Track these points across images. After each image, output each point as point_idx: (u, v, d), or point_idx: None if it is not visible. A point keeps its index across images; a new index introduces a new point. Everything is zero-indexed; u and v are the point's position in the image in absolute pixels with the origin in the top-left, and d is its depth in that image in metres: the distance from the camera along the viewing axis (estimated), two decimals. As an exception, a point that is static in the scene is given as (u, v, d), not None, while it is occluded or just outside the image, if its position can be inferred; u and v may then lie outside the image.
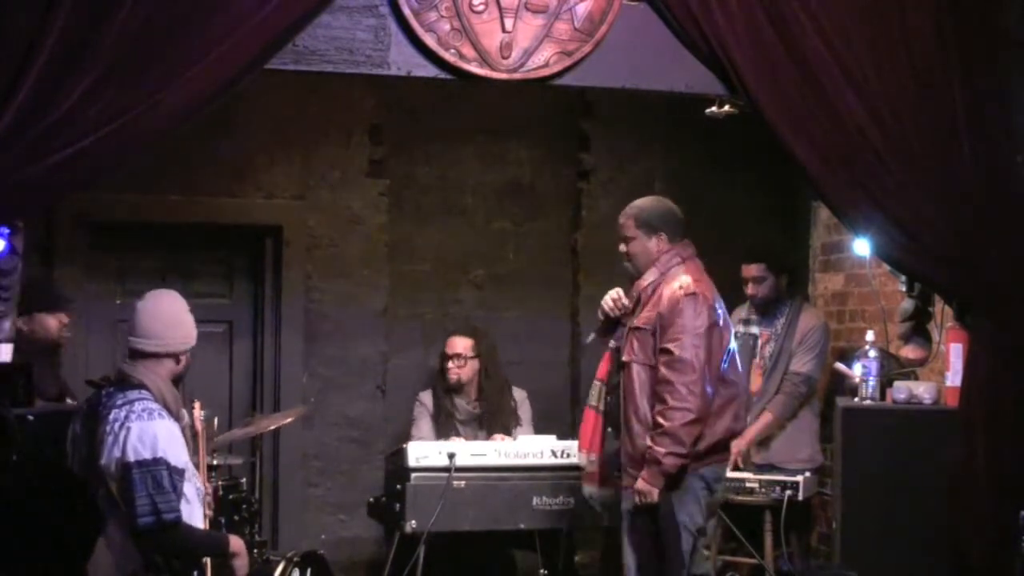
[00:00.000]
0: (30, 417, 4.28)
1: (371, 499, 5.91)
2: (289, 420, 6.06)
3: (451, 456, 5.55)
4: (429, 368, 6.73)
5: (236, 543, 4.17)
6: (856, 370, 5.55)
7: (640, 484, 4.78)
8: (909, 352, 5.55)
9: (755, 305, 6.20)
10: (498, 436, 6.06)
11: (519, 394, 6.39)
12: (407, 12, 4.62)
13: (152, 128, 4.27)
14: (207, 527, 4.29)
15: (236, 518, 5.33)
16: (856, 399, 5.48)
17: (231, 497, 5.36)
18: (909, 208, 5.01)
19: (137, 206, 6.53)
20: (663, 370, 4.76)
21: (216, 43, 4.27)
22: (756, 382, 6.14)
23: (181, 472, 4.00)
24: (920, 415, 5.30)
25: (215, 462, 5.28)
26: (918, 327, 5.53)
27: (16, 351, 4.47)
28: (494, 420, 6.22)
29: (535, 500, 5.63)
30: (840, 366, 6.04)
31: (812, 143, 4.92)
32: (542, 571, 5.75)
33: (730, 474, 5.55)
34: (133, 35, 4.17)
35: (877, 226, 5.03)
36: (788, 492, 5.90)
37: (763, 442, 6.13)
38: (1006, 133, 5.07)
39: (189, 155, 6.27)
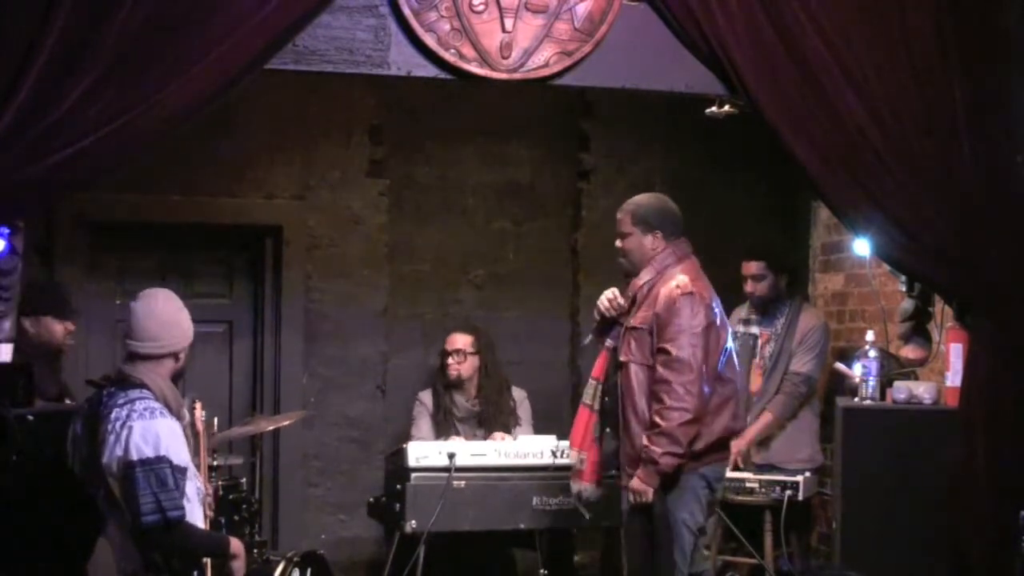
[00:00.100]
0: (30, 417, 4.27)
1: (371, 499, 5.91)
2: (288, 423, 6.06)
3: (451, 456, 5.55)
4: (429, 368, 6.73)
5: (236, 545, 4.17)
6: (856, 370, 5.55)
7: (635, 483, 4.79)
8: (909, 352, 5.55)
9: (753, 304, 6.20)
10: (498, 435, 6.06)
11: (518, 393, 6.39)
12: (407, 12, 4.63)
13: (152, 128, 4.27)
14: (207, 527, 4.29)
15: (236, 518, 5.33)
16: (856, 399, 5.48)
17: (231, 497, 5.37)
18: (909, 208, 5.01)
19: (137, 206, 6.52)
20: (660, 370, 4.76)
21: (216, 43, 4.27)
22: (756, 382, 6.15)
23: (183, 471, 4.01)
24: (920, 415, 5.30)
25: (215, 462, 5.28)
26: (918, 327, 5.53)
27: (17, 351, 4.47)
28: (493, 418, 6.23)
29: (535, 500, 5.63)
30: (840, 366, 6.04)
31: (812, 143, 4.92)
32: (542, 571, 5.75)
33: (730, 474, 5.55)
34: (133, 35, 4.17)
35: (877, 226, 5.03)
36: (788, 492, 5.91)
37: (763, 442, 6.13)
38: (1006, 133, 5.07)
39: (189, 155, 6.27)
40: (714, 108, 5.46)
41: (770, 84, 4.87)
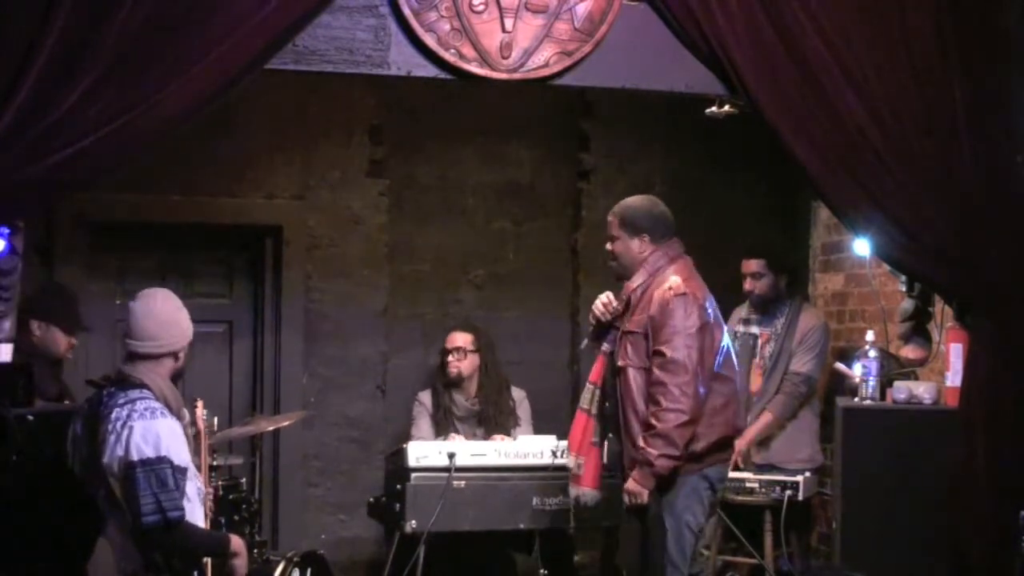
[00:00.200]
0: (30, 417, 4.27)
1: (371, 499, 5.91)
2: (288, 423, 6.06)
3: (451, 456, 5.55)
4: (429, 368, 6.73)
5: (237, 543, 4.17)
6: (856, 370, 5.55)
7: (630, 485, 4.79)
8: (909, 352, 5.55)
9: (753, 303, 6.20)
10: (497, 437, 6.06)
11: (518, 393, 6.39)
12: (407, 12, 4.63)
13: (152, 128, 4.27)
14: (208, 527, 4.29)
15: (236, 518, 5.33)
16: (856, 399, 5.48)
17: (231, 497, 5.37)
18: (909, 208, 5.01)
19: (137, 206, 6.52)
20: (656, 372, 4.76)
21: (216, 43, 4.27)
22: (756, 382, 6.15)
23: (184, 471, 4.00)
24: (920, 415, 5.30)
25: (215, 462, 5.28)
26: (918, 327, 5.53)
27: (18, 349, 4.47)
28: (492, 418, 6.23)
29: (535, 500, 5.63)
30: (840, 366, 6.04)
31: (812, 143, 4.92)
32: (542, 571, 5.75)
33: (730, 474, 5.54)
34: (133, 35, 4.17)
35: (877, 226, 5.03)
36: (788, 492, 5.91)
37: (763, 442, 6.13)
38: (1006, 133, 5.07)
39: (189, 155, 6.27)
40: (714, 108, 5.46)
41: (770, 84, 4.87)
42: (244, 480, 5.67)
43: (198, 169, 6.53)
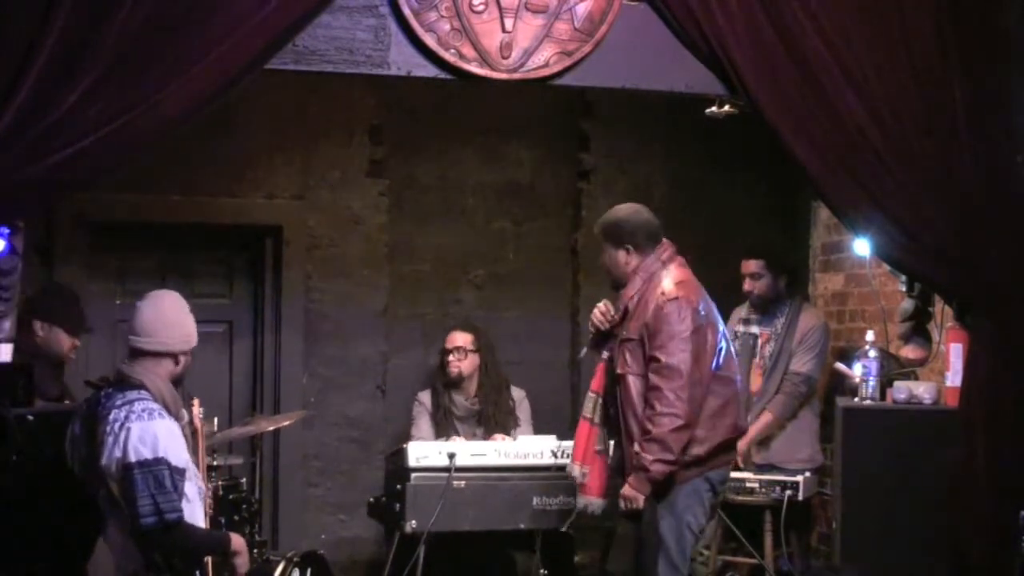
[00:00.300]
0: (30, 417, 4.28)
1: (371, 499, 5.91)
2: (288, 423, 6.06)
3: (451, 456, 5.55)
4: (429, 368, 6.73)
5: (237, 541, 4.17)
6: (856, 370, 5.55)
7: (626, 490, 4.80)
8: (909, 352, 5.55)
9: (752, 303, 6.20)
10: (498, 436, 6.06)
11: (518, 393, 6.39)
12: (407, 12, 4.63)
13: (152, 128, 4.27)
14: (208, 526, 4.29)
15: (236, 518, 5.33)
16: (856, 399, 5.48)
17: (231, 497, 5.36)
18: (909, 208, 5.01)
19: (137, 206, 6.52)
20: (652, 377, 4.77)
21: (216, 43, 4.27)
22: (756, 382, 6.15)
23: (182, 472, 4.00)
24: (920, 415, 5.30)
25: (215, 462, 5.28)
26: (918, 327, 5.53)
27: (19, 349, 4.47)
28: (492, 418, 6.23)
29: (535, 500, 5.63)
30: (840, 366, 6.04)
31: (812, 143, 4.92)
32: (542, 571, 5.75)
33: (731, 474, 5.55)
34: (133, 35, 4.17)
35: (877, 226, 5.03)
36: (788, 492, 5.90)
37: (763, 442, 6.13)
38: (1006, 133, 5.07)
39: (189, 155, 6.27)
40: (714, 108, 5.46)
41: (770, 84, 4.87)
42: (244, 480, 5.67)
43: (198, 169, 6.53)
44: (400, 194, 7.01)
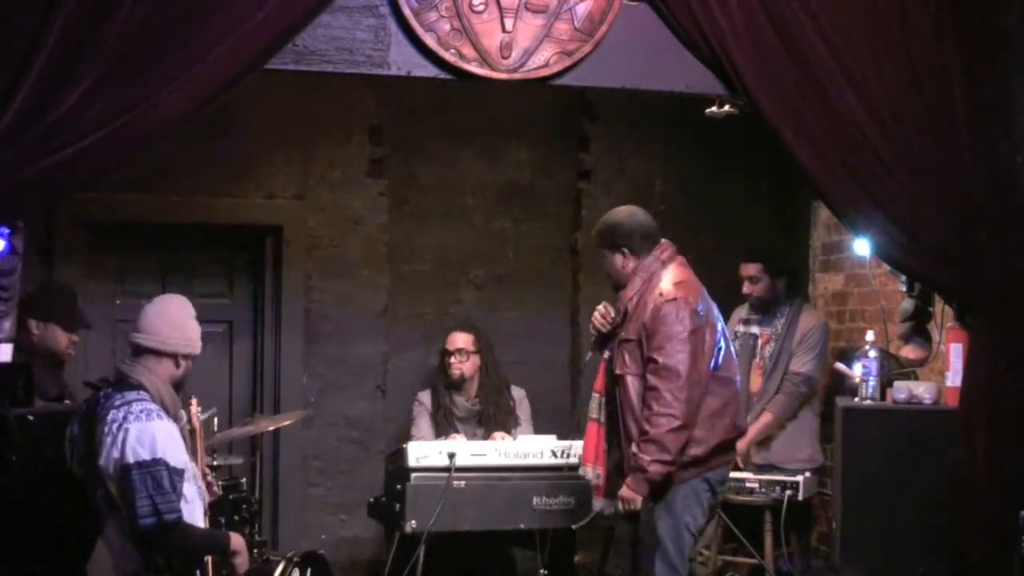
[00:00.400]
0: (30, 417, 4.28)
1: (371, 499, 5.91)
2: (288, 422, 6.06)
3: (451, 456, 5.54)
4: (429, 368, 6.73)
5: (236, 541, 4.17)
6: (856, 370, 5.55)
7: (624, 491, 4.80)
8: (909, 352, 5.55)
9: (752, 305, 6.21)
10: (498, 434, 6.06)
11: (518, 393, 6.39)
12: (407, 12, 4.63)
13: (152, 128, 4.27)
14: (207, 526, 4.29)
15: (236, 518, 5.33)
16: (856, 399, 5.48)
17: (231, 497, 5.36)
18: (909, 208, 5.01)
19: (137, 206, 6.52)
20: (650, 378, 4.77)
21: (216, 43, 4.27)
22: (756, 382, 6.15)
23: (180, 472, 4.00)
24: (920, 415, 5.30)
25: (215, 462, 5.28)
26: (918, 327, 5.53)
27: (18, 350, 4.47)
28: (493, 418, 6.23)
29: (535, 500, 5.63)
30: (840, 366, 6.04)
31: (812, 143, 4.92)
32: (542, 571, 5.75)
33: (730, 474, 5.54)
34: (133, 35, 4.17)
35: (877, 226, 5.03)
36: (788, 492, 5.90)
37: (763, 442, 6.13)
38: (1006, 133, 5.07)
39: (189, 155, 6.26)
40: (714, 108, 5.45)
41: (770, 84, 4.87)
42: (244, 480, 5.67)
43: (198, 169, 6.53)
44: (400, 194, 7.01)
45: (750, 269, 6.15)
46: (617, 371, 4.90)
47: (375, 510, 5.85)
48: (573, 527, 5.63)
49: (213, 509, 4.59)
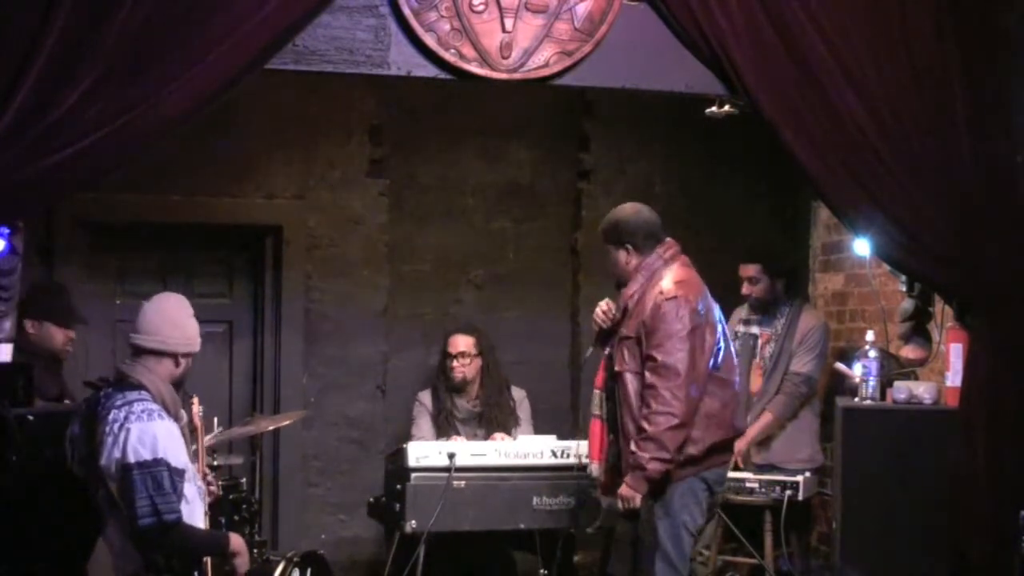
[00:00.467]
0: (30, 417, 4.28)
1: (371, 499, 5.91)
2: (288, 422, 6.06)
3: (451, 456, 5.54)
4: (429, 368, 6.72)
5: (236, 541, 4.17)
6: (856, 370, 5.55)
7: (623, 490, 4.79)
8: (909, 352, 5.55)
9: (751, 305, 6.21)
10: (498, 435, 6.06)
11: (518, 393, 6.39)
12: (407, 12, 4.63)
13: (152, 128, 4.28)
14: (208, 526, 4.29)
15: (236, 518, 5.33)
16: (856, 399, 5.48)
17: (231, 497, 5.36)
18: (909, 208, 5.01)
19: (137, 206, 6.52)
20: (649, 376, 4.77)
21: (216, 43, 4.27)
22: (756, 382, 6.15)
23: (181, 472, 4.00)
24: (920, 415, 5.30)
25: (215, 462, 5.27)
26: (918, 327, 5.53)
27: (18, 351, 4.47)
28: (493, 419, 6.23)
29: (535, 500, 5.62)
30: (840, 366, 6.04)
31: (812, 143, 4.93)
32: (542, 571, 5.75)
33: (730, 474, 5.54)
34: (133, 35, 4.18)
35: (877, 226, 5.03)
36: (788, 492, 5.90)
37: (763, 442, 6.13)
38: (1006, 133, 5.08)
39: (189, 155, 6.26)
40: (714, 108, 5.45)
41: (770, 84, 4.87)
42: (244, 480, 5.67)
43: (198, 169, 6.53)
44: (400, 194, 7.01)
45: (749, 270, 6.15)
46: (616, 368, 4.90)
47: (375, 510, 5.85)
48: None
49: (213, 509, 4.59)
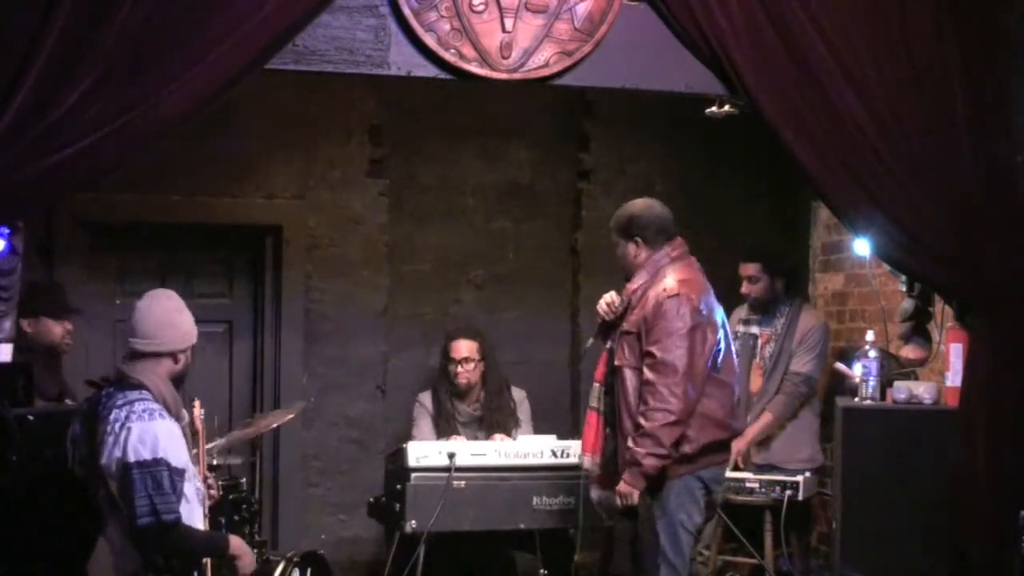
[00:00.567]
0: (30, 417, 4.28)
1: (371, 499, 5.91)
2: (289, 417, 6.05)
3: (451, 456, 5.54)
4: (429, 368, 6.72)
5: (236, 544, 4.16)
6: (856, 370, 5.55)
7: (622, 486, 4.80)
8: (909, 352, 5.55)
9: (751, 305, 6.21)
10: (498, 436, 6.06)
11: (518, 394, 6.39)
12: (407, 12, 4.63)
13: (152, 128, 4.27)
14: (207, 526, 4.29)
15: (236, 518, 5.33)
16: (856, 399, 5.48)
17: (231, 497, 5.36)
18: (909, 208, 5.01)
19: (137, 206, 6.52)
20: (647, 372, 4.78)
21: (216, 43, 4.27)
22: (756, 382, 6.15)
23: (181, 472, 4.00)
24: (920, 415, 5.30)
25: (215, 462, 5.27)
26: (918, 327, 5.53)
27: (17, 350, 4.47)
28: (494, 420, 6.22)
29: (535, 500, 5.62)
30: (840, 366, 6.04)
31: (812, 143, 4.93)
32: (542, 571, 5.75)
33: (730, 474, 5.55)
34: (133, 35, 4.17)
35: (877, 226, 5.03)
36: (788, 492, 5.91)
37: (763, 442, 6.13)
38: (1006, 133, 5.08)
39: (189, 155, 6.26)
40: (714, 108, 5.45)
41: (770, 84, 4.87)
42: (244, 480, 5.66)
43: (198, 169, 6.53)
44: (400, 194, 7.01)
45: (749, 269, 6.16)
46: (616, 362, 4.91)
47: (375, 510, 5.85)
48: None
49: (213, 510, 4.58)
